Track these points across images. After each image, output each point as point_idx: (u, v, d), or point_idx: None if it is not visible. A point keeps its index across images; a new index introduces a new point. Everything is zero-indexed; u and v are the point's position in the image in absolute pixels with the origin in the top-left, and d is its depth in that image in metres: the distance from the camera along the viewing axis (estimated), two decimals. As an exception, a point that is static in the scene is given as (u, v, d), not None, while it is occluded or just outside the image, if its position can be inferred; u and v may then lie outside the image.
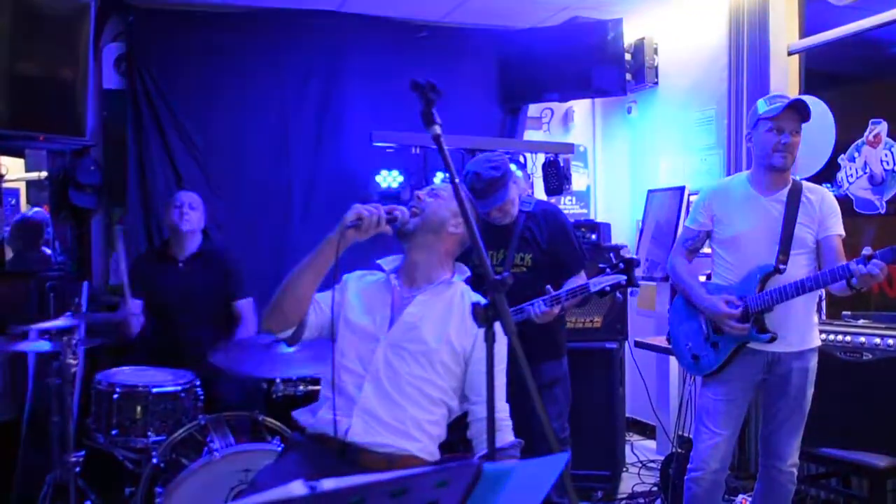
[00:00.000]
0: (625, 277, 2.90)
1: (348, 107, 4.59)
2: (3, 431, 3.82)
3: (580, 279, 3.15)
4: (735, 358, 2.78)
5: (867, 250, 2.45)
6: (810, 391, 2.80)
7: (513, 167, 3.21)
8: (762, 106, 2.79)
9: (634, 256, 3.02)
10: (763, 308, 2.69)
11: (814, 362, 2.81)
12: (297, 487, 0.88)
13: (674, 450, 3.58)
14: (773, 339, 2.70)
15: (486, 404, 1.39)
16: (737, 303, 2.72)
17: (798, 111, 2.72)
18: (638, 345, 4.25)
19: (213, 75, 4.39)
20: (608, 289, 2.93)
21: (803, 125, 2.75)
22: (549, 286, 2.99)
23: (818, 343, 2.83)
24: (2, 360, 3.96)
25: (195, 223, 3.56)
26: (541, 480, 1.07)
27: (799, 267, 2.70)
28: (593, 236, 4.14)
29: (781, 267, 2.69)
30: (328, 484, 0.89)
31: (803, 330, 2.79)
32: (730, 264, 2.84)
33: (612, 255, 3.86)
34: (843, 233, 2.77)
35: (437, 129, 1.44)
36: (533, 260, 3.15)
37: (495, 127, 5.03)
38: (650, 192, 4.95)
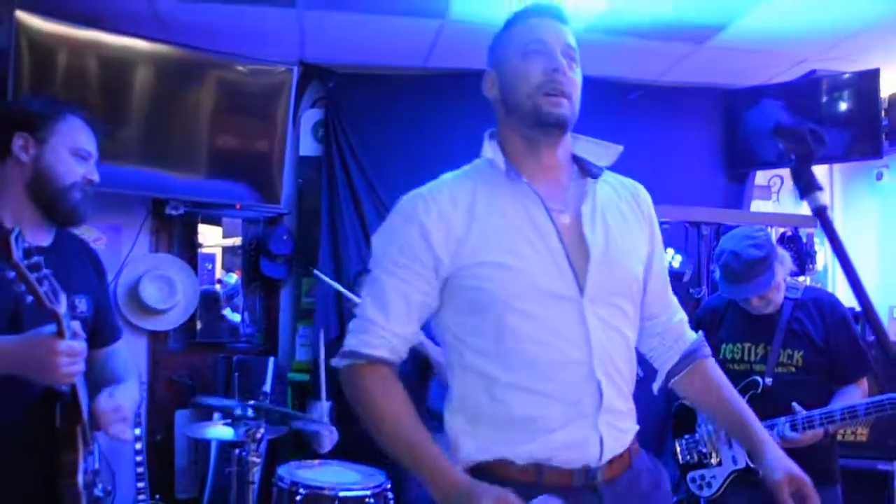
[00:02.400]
0: None
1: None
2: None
3: (859, 390, 2.53)
4: None
5: None
6: None
7: (779, 246, 2.66)
8: None
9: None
10: None
11: None
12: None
13: None
14: None
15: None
16: None
17: None
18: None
19: (407, 140, 4.15)
20: None
21: None
22: (795, 403, 2.46)
23: None
24: (187, 436, 3.83)
25: None
26: None
27: None
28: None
29: None
30: None
31: None
32: None
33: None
34: None
35: (821, 199, 1.05)
36: (804, 359, 2.56)
37: (718, 196, 4.44)
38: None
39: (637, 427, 1.51)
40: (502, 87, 1.48)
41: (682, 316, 1.68)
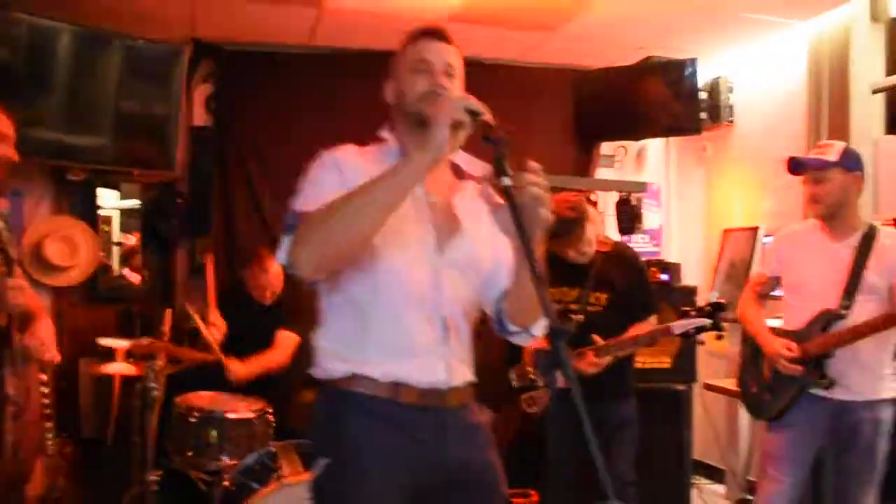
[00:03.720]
0: (710, 321, 2.92)
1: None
2: (90, 447, 4.03)
3: (649, 323, 3.17)
4: (797, 403, 2.75)
5: None
6: (883, 444, 2.71)
7: (590, 207, 3.26)
8: None
9: (720, 300, 3.02)
10: (821, 353, 2.66)
11: (887, 414, 2.72)
12: None
13: (742, 496, 3.50)
14: (829, 386, 2.66)
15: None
16: (793, 348, 2.72)
17: (798, 167, 2.78)
18: (707, 387, 4.17)
19: (295, 113, 4.57)
20: (692, 332, 2.95)
21: (883, 166, 2.75)
22: (595, 336, 3.03)
23: (892, 394, 2.74)
24: (90, 381, 4.20)
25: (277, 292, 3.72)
26: None
27: (868, 313, 2.64)
28: (663, 276, 4.11)
29: (843, 312, 2.66)
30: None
31: (873, 379, 2.71)
32: (795, 309, 2.83)
33: (681, 297, 3.86)
34: None
35: (508, 181, 1.42)
36: (608, 300, 3.18)
37: (569, 165, 5.06)
38: (725, 231, 4.87)
39: (473, 378, 1.77)
40: (397, 96, 1.73)
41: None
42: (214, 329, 3.60)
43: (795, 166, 2.80)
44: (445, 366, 1.66)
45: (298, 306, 3.67)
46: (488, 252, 1.76)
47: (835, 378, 2.67)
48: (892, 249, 2.70)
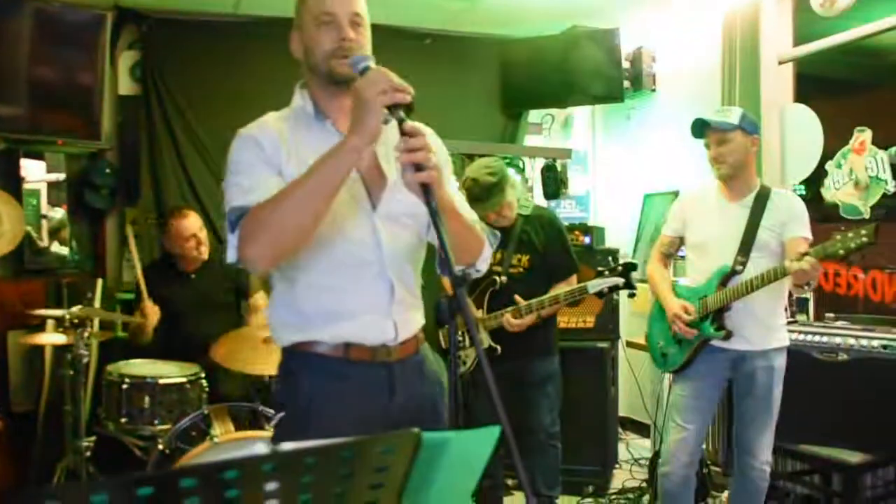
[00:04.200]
0: (622, 280, 3.09)
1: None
2: (21, 422, 4.02)
3: (568, 285, 3.31)
4: (700, 355, 2.93)
5: (804, 249, 2.60)
6: (777, 390, 2.92)
7: (510, 172, 3.37)
8: None
9: (633, 260, 3.18)
10: (718, 307, 2.84)
11: (780, 362, 2.92)
12: (260, 448, 1.01)
13: (659, 446, 3.70)
14: (727, 336, 2.85)
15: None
16: (690, 308, 2.90)
17: (701, 127, 2.97)
18: (630, 345, 4.37)
19: (222, 81, 4.56)
20: (606, 291, 3.11)
21: (789, 133, 2.91)
22: (517, 296, 3.16)
23: (785, 343, 2.95)
24: (20, 354, 4.17)
25: (207, 249, 3.73)
26: (478, 451, 1.19)
27: (761, 269, 2.80)
28: (586, 239, 4.27)
29: (738, 268, 2.85)
30: (287, 446, 1.00)
31: (766, 330, 2.91)
32: (696, 267, 3.02)
33: (609, 258, 4.03)
34: (809, 235, 2.87)
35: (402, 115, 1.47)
36: (530, 262, 3.31)
37: (497, 132, 5.18)
38: (647, 195, 5.06)
39: (423, 321, 1.81)
40: (305, 50, 1.70)
41: (474, 219, 1.81)
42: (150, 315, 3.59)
43: (701, 126, 2.95)
44: (392, 324, 1.70)
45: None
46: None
47: (732, 330, 2.86)
48: (782, 209, 2.89)
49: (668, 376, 4.49)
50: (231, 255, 1.56)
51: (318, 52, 1.67)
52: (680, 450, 2.95)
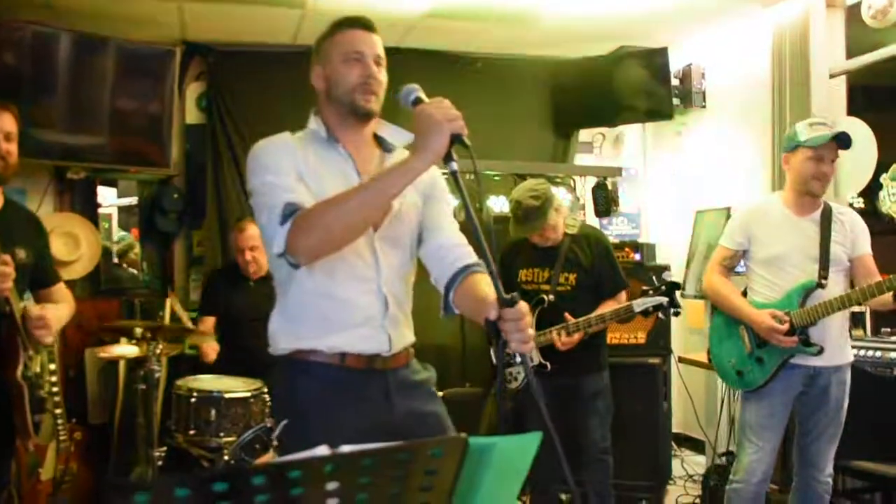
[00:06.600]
0: (667, 299, 3.11)
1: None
2: (98, 433, 4.26)
3: (617, 302, 3.36)
4: (779, 373, 2.89)
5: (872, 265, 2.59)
6: (846, 404, 2.91)
7: (557, 194, 3.44)
8: (803, 132, 2.91)
9: (676, 280, 3.21)
10: (808, 322, 2.81)
11: (849, 376, 2.93)
12: (321, 450, 1.10)
13: (714, 462, 3.71)
14: (820, 352, 2.82)
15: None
16: (783, 318, 2.83)
17: (842, 143, 2.87)
18: (681, 360, 4.38)
19: (281, 108, 4.74)
20: (651, 310, 3.15)
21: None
22: (567, 314, 3.23)
23: (852, 358, 2.96)
24: (97, 370, 4.42)
25: (262, 263, 3.88)
26: (522, 457, 1.27)
27: (836, 284, 2.84)
28: (636, 256, 4.31)
29: (823, 282, 2.83)
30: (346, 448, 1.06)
31: (841, 344, 2.92)
32: (769, 282, 2.95)
33: (653, 276, 4.06)
34: (871, 251, 2.90)
35: (455, 166, 1.59)
36: (577, 280, 3.37)
37: (548, 152, 5.26)
38: (698, 212, 5.07)
39: (413, 338, 1.91)
40: (328, 82, 1.84)
41: (463, 244, 1.91)
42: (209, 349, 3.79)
43: (848, 144, 2.88)
44: (387, 336, 1.81)
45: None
46: (413, 219, 1.89)
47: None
48: (848, 225, 2.91)
49: (721, 392, 4.51)
50: (279, 246, 1.66)
51: (343, 85, 1.81)
52: (757, 469, 2.93)
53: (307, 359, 1.79)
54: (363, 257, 1.80)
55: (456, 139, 1.56)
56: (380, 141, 1.94)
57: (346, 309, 1.79)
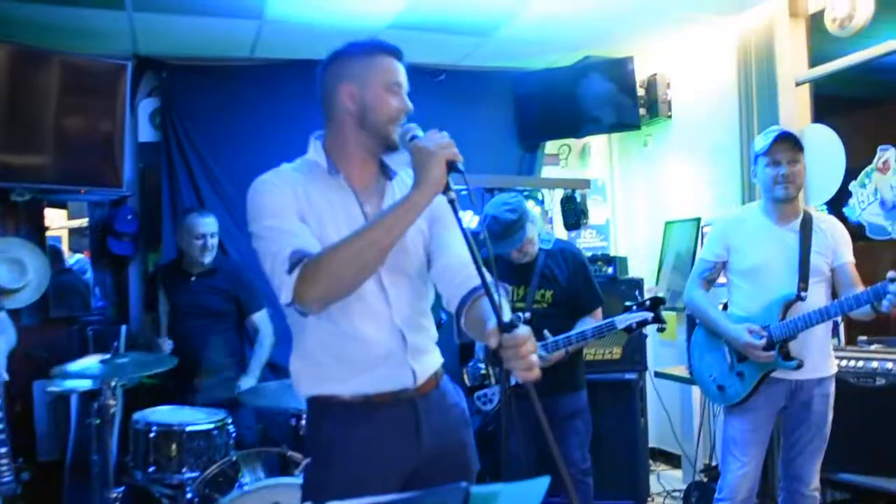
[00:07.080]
0: (651, 315, 3.03)
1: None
2: (48, 471, 4.01)
3: (594, 319, 3.26)
4: (760, 387, 2.84)
5: (893, 273, 2.49)
6: (830, 416, 2.86)
7: (530, 206, 3.34)
8: (758, 142, 2.92)
9: (661, 295, 3.13)
10: (788, 336, 2.75)
11: (832, 388, 2.87)
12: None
13: (696, 478, 3.63)
14: (799, 366, 2.76)
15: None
16: (761, 332, 2.78)
17: (788, 141, 2.83)
18: (658, 375, 4.31)
19: (239, 124, 4.60)
20: (634, 326, 3.06)
21: (810, 154, 2.86)
22: (546, 331, 3.11)
23: (835, 370, 2.90)
24: (46, 403, 4.17)
25: (216, 250, 3.84)
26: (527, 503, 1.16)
27: (817, 295, 2.79)
28: (609, 269, 4.24)
29: (803, 295, 2.77)
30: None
31: (823, 357, 2.86)
32: (748, 294, 2.91)
33: (636, 291, 3.98)
34: (853, 259, 2.85)
35: (451, 195, 1.61)
36: (553, 297, 3.27)
37: (514, 165, 5.18)
38: (667, 223, 5.03)
39: (442, 359, 1.88)
40: (361, 105, 1.76)
41: (470, 263, 1.75)
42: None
43: (796, 142, 2.84)
44: (411, 371, 1.78)
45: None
46: (419, 245, 1.85)
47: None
48: (829, 233, 2.86)
49: (698, 406, 4.46)
50: (287, 297, 1.61)
51: (384, 114, 1.76)
52: (741, 485, 2.87)
53: (331, 401, 1.78)
54: (373, 292, 1.76)
55: (451, 167, 1.59)
56: (382, 166, 1.90)
57: (365, 347, 1.76)
